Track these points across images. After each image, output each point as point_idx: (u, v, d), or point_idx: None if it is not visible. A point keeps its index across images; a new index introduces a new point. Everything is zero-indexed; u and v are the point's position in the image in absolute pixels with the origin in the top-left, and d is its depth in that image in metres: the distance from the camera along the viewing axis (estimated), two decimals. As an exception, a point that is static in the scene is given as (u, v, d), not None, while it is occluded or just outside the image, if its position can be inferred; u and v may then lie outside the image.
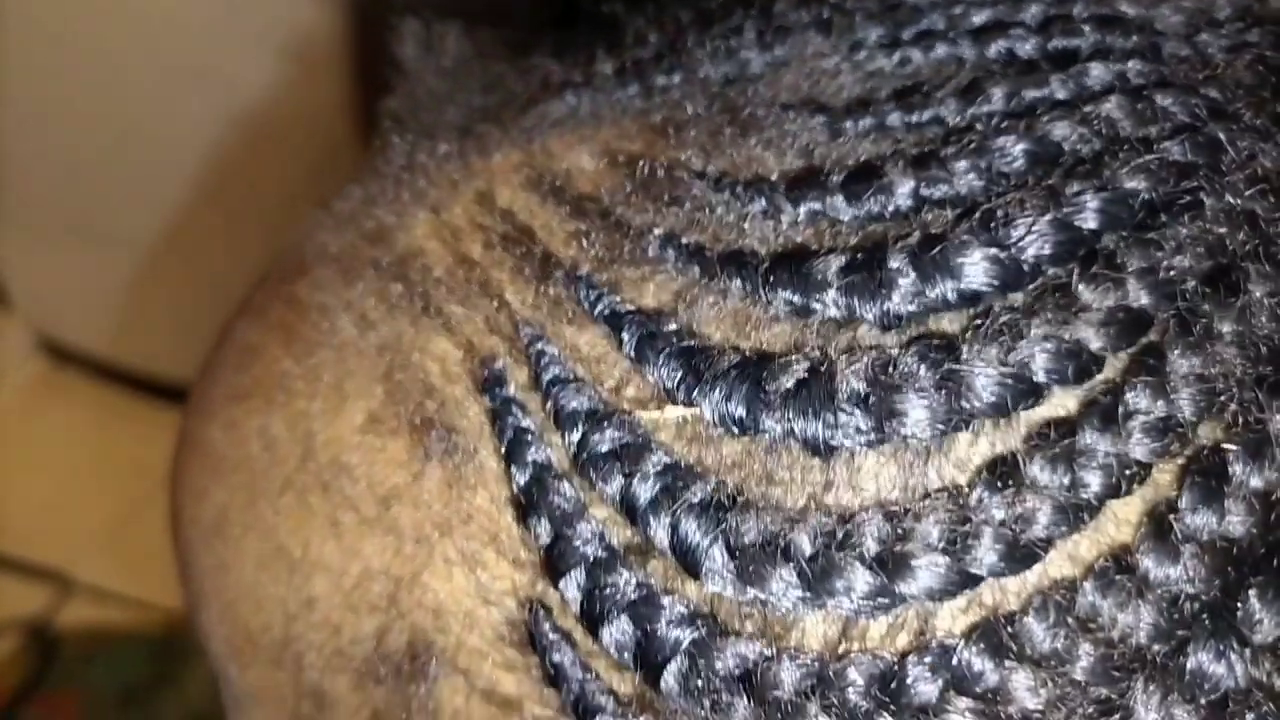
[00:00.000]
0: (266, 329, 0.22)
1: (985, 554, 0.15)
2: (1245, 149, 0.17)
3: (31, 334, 1.13)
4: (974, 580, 0.15)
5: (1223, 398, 0.15)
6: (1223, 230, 0.16)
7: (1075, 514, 0.15)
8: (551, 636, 0.17)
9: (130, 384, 1.11)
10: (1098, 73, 0.18)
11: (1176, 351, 0.15)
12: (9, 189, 1.05)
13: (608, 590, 0.16)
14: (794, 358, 0.16)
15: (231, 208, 0.95)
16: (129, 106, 0.94)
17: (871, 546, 0.15)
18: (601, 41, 0.22)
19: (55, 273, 1.09)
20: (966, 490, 0.15)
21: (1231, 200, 0.16)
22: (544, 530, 0.17)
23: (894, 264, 0.16)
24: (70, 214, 1.04)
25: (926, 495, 0.15)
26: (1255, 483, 0.15)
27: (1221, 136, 0.17)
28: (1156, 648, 0.15)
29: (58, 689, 0.80)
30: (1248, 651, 0.15)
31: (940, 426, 0.15)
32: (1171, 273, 0.16)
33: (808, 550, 0.15)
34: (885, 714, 0.15)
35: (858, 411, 0.16)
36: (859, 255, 0.16)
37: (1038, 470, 0.15)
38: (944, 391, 0.15)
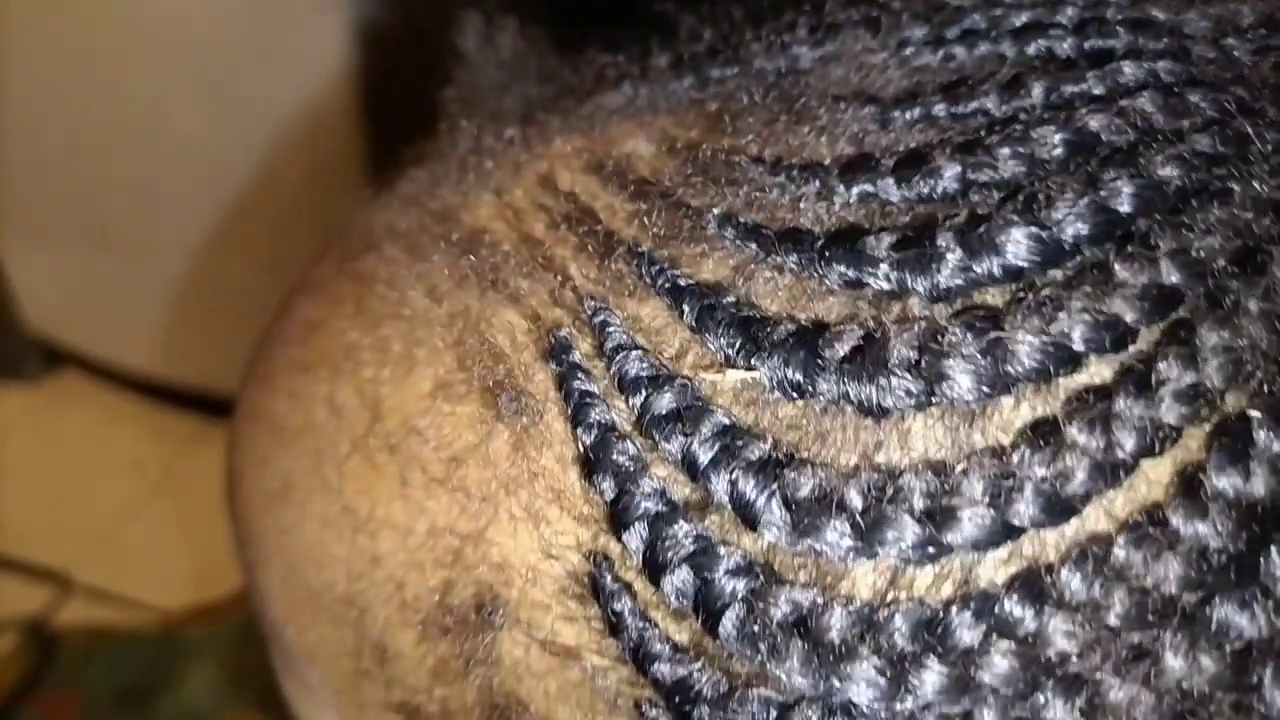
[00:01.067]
0: (331, 303, 0.23)
1: (1026, 508, 0.16)
2: (1271, 142, 0.18)
3: (34, 336, 1.14)
4: (1015, 532, 0.16)
5: (1249, 368, 0.16)
6: (1249, 215, 0.17)
7: (1111, 472, 0.16)
8: (613, 586, 0.18)
9: (131, 386, 1.12)
10: (1131, 71, 0.19)
11: (1205, 325, 0.17)
12: (15, 194, 1.06)
13: (668, 542, 0.18)
14: (848, 327, 0.17)
15: (236, 215, 0.96)
16: (135, 114, 0.95)
17: (919, 501, 0.16)
18: (656, 37, 0.24)
19: (59, 276, 1.09)
20: (1009, 450, 0.16)
21: (1258, 188, 0.18)
22: (608, 487, 0.18)
23: (942, 241, 0.17)
24: (75, 218, 1.04)
25: (972, 454, 0.17)
26: (1278, 448, 0.16)
27: (1249, 130, 0.18)
28: (1185, 598, 0.16)
29: (56, 688, 0.80)
30: (1270, 603, 0.16)
31: (985, 390, 0.17)
32: (1201, 253, 0.17)
33: (859, 504, 0.17)
34: (931, 656, 0.16)
35: (908, 376, 0.17)
36: (909, 233, 0.18)
37: (1076, 432, 0.16)
38: (989, 358, 0.16)
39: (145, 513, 0.99)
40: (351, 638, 0.21)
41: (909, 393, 0.17)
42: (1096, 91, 0.19)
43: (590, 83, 0.24)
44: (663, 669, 0.18)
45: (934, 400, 0.17)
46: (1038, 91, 0.19)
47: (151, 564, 0.95)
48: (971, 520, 0.16)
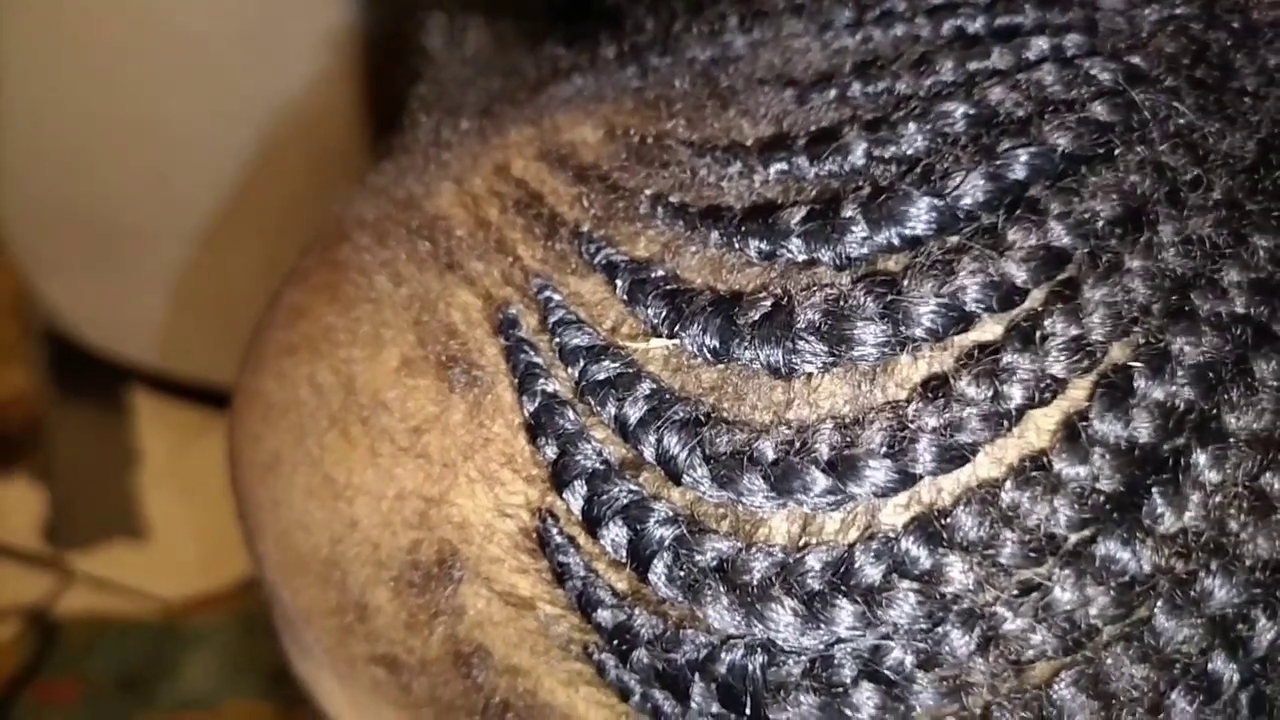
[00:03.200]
0: (312, 290, 0.25)
1: (922, 457, 0.17)
2: (1161, 109, 0.19)
3: (40, 328, 1.16)
4: (913, 480, 0.18)
5: (1130, 323, 0.18)
6: (1135, 179, 0.18)
7: (999, 422, 0.17)
8: (558, 540, 0.20)
9: (134, 378, 1.14)
10: (1037, 44, 0.20)
11: (1089, 283, 0.18)
12: (21, 192, 1.07)
13: (604, 498, 0.19)
14: (760, 295, 0.19)
15: (239, 209, 0.97)
16: (135, 107, 0.95)
17: (825, 452, 0.18)
18: (605, 30, 0.25)
19: (61, 268, 1.11)
20: (906, 404, 0.18)
21: (1145, 153, 0.19)
22: (551, 449, 0.20)
23: (847, 213, 0.19)
24: (77, 211, 1.06)
25: (872, 409, 0.18)
26: (1157, 395, 0.17)
27: (1139, 98, 0.19)
28: (1071, 537, 0.17)
29: (57, 676, 0.82)
30: (1150, 541, 0.17)
31: (885, 350, 0.18)
32: (1087, 215, 0.18)
33: (771, 457, 0.18)
34: (839, 595, 0.18)
35: (814, 339, 0.18)
36: (817, 206, 0.19)
37: (966, 385, 0.17)
38: (887, 320, 0.18)
39: (147, 502, 1.02)
40: (336, 597, 0.23)
41: (815, 354, 0.18)
42: (1001, 66, 0.20)
43: (546, 75, 0.25)
44: (605, 615, 0.19)
45: (838, 360, 0.18)
46: (946, 68, 0.20)
47: (153, 553, 0.96)
48: (873, 470, 0.18)
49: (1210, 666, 0.18)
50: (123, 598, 0.95)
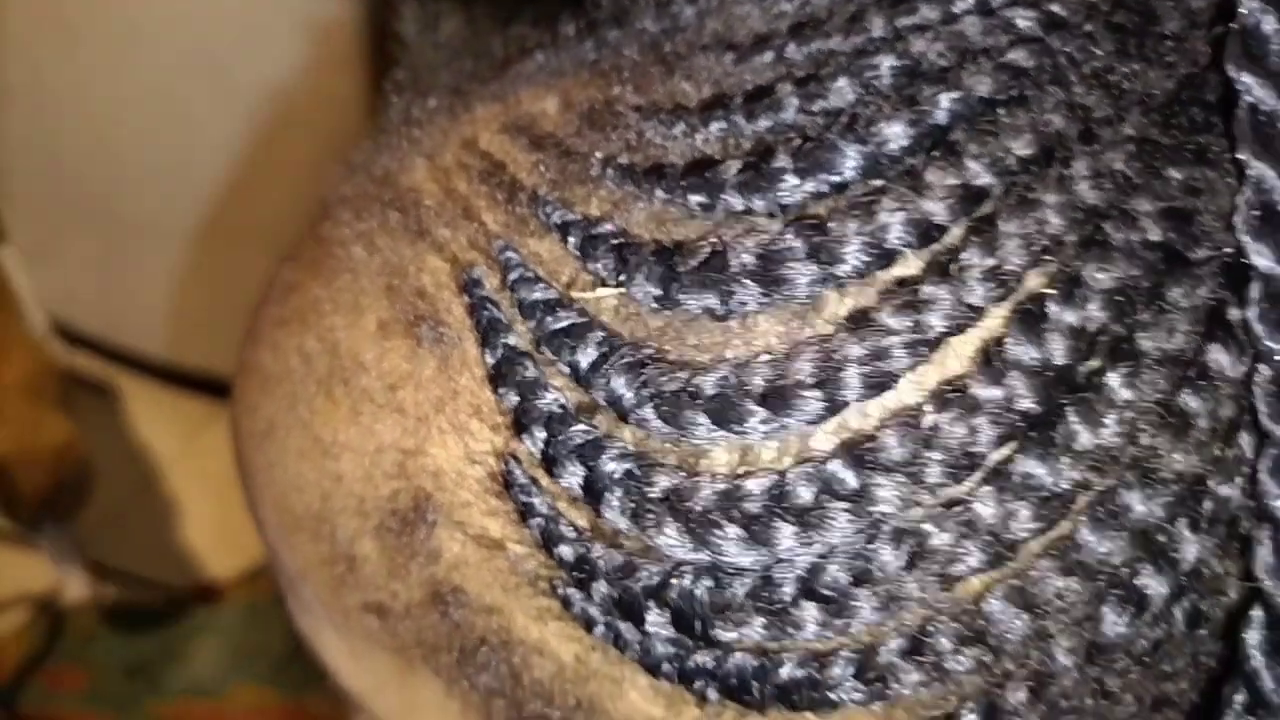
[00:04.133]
0: (301, 266, 0.27)
1: (848, 385, 0.19)
2: (1078, 53, 0.20)
3: (45, 318, 1.17)
4: (841, 407, 0.19)
5: (1044, 252, 0.19)
6: (1050, 118, 0.19)
7: (919, 349, 0.19)
8: (522, 480, 0.21)
9: (139, 369, 1.16)
10: None
11: (1005, 216, 0.19)
12: (24, 177, 1.07)
13: (561, 439, 0.20)
14: (700, 244, 0.20)
15: (243, 200, 0.97)
16: (140, 98, 0.95)
17: (760, 385, 0.19)
18: (567, 8, 0.26)
19: (68, 260, 1.11)
20: (833, 337, 0.19)
21: (1060, 94, 0.20)
22: (513, 397, 0.21)
23: (778, 163, 0.20)
24: (83, 204, 1.06)
25: (802, 343, 0.19)
26: (1069, 319, 0.18)
27: (1056, 44, 0.20)
28: (991, 455, 0.18)
29: (65, 663, 0.84)
30: (1068, 458, 0.19)
31: (814, 288, 0.19)
32: (1002, 153, 0.19)
33: (711, 392, 0.19)
34: (777, 518, 0.19)
35: (748, 281, 0.19)
36: (751, 159, 0.20)
37: (888, 317, 0.19)
38: (815, 260, 0.19)
39: (154, 492, 1.04)
40: (327, 549, 0.25)
41: (750, 295, 0.19)
42: (929, 19, 0.21)
43: (513, 54, 0.27)
44: (566, 550, 0.21)
45: (772, 301, 0.19)
46: (876, 25, 0.21)
47: (158, 542, 0.99)
48: (803, 399, 0.19)
49: (1137, 580, 0.19)
50: (129, 586, 0.97)
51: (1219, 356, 0.19)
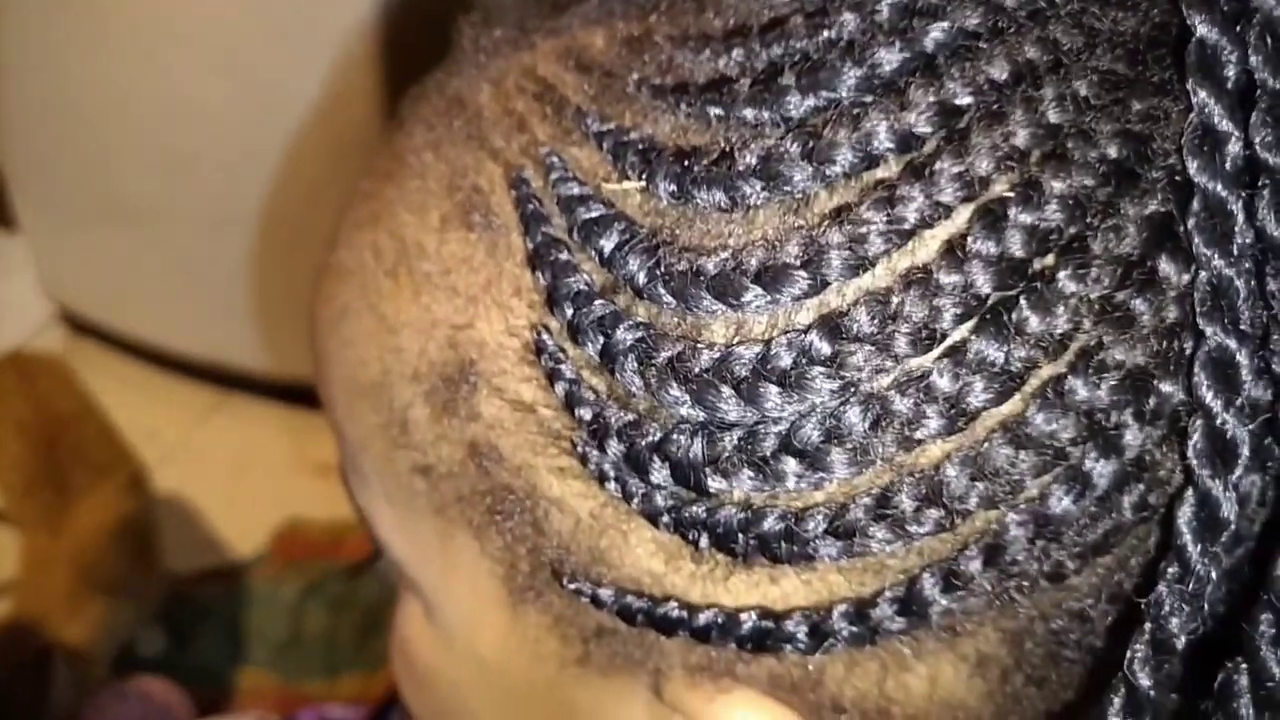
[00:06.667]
0: (377, 176, 0.30)
1: (829, 266, 0.22)
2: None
3: (54, 307, 1.21)
4: (823, 286, 0.22)
5: (1008, 158, 0.21)
6: (1027, 48, 0.22)
7: (893, 238, 0.21)
8: (551, 349, 0.24)
9: (146, 357, 1.18)
10: None
11: (977, 129, 0.22)
12: (37, 168, 1.09)
13: (585, 312, 0.24)
14: (712, 146, 0.23)
15: (256, 191, 0.98)
16: (156, 89, 0.97)
17: (754, 266, 0.22)
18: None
19: (79, 249, 1.13)
20: (819, 225, 0.22)
21: (1039, 31, 0.22)
22: (547, 277, 0.24)
23: (785, 81, 0.23)
24: (96, 193, 1.08)
25: (792, 230, 0.22)
26: (1027, 219, 0.21)
27: None
28: (951, 334, 0.21)
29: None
30: (1020, 340, 0.21)
31: (807, 185, 0.22)
32: (979, 75, 0.22)
33: (713, 272, 0.22)
34: (761, 380, 0.22)
35: (752, 179, 0.22)
36: (762, 77, 0.23)
37: (867, 210, 0.22)
38: (809, 161, 0.22)
39: (159, 479, 1.04)
40: (385, 415, 0.28)
41: (752, 190, 0.22)
42: None
43: None
44: (585, 411, 0.24)
45: (771, 196, 0.22)
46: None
47: (164, 528, 1.00)
48: (791, 278, 0.22)
49: (1084, 463, 0.22)
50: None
51: (1165, 264, 0.21)
